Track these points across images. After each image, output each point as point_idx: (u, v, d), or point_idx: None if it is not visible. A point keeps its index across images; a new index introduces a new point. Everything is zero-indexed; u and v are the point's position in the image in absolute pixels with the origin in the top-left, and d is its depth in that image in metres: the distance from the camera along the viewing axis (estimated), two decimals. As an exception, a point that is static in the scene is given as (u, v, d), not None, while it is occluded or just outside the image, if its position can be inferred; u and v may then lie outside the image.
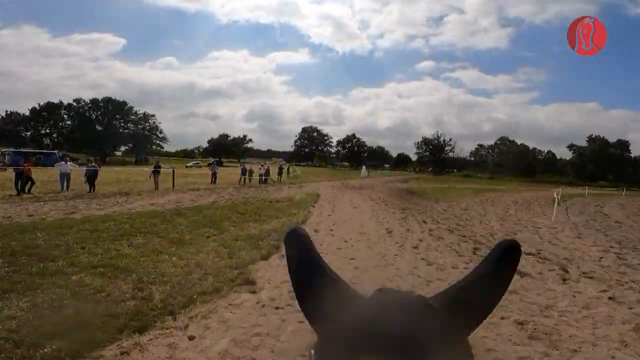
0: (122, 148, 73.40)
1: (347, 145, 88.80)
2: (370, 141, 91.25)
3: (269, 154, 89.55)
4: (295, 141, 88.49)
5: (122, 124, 70.18)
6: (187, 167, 49.05)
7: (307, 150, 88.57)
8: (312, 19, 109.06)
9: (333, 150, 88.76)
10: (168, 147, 78.20)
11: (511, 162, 72.48)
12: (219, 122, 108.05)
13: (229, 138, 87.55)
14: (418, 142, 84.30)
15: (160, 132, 71.93)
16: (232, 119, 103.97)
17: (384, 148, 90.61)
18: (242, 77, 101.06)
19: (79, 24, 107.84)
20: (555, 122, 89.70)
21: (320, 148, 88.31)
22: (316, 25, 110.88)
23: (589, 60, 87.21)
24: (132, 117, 70.67)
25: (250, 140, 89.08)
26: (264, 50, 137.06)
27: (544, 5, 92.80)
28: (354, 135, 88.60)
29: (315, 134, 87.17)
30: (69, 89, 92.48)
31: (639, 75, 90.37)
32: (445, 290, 0.48)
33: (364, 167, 50.78)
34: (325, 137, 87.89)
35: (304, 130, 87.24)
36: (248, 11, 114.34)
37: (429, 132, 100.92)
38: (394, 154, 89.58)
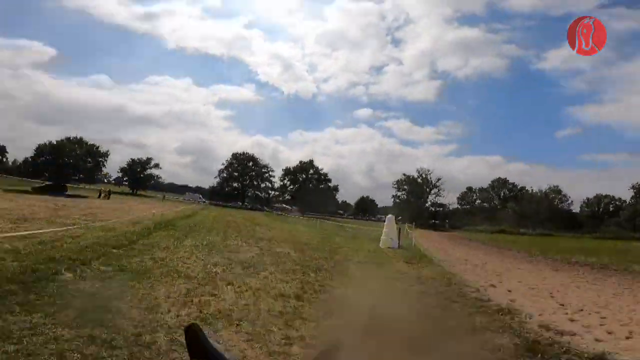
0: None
1: (300, 177, 72.18)
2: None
3: (187, 189, 77.80)
4: (221, 171, 71.93)
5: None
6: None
7: (235, 184, 74.08)
8: (262, 56, 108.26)
9: (275, 184, 73.95)
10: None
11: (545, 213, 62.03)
12: (146, 152, 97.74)
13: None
14: (398, 181, 69.73)
15: None
16: (162, 150, 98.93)
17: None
18: (180, 107, 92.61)
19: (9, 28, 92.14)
20: (464, 173, 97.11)
21: (256, 183, 74.39)
22: (266, 63, 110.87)
23: (499, 115, 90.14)
24: None
25: (157, 165, 72.42)
26: (208, 81, 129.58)
27: (467, 59, 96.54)
28: (311, 162, 72.13)
29: (250, 163, 73.12)
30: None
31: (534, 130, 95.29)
32: None
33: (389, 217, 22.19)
34: (265, 169, 74.38)
35: (235, 157, 72.82)
36: (199, 40, 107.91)
37: (361, 181, 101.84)
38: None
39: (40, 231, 9.91)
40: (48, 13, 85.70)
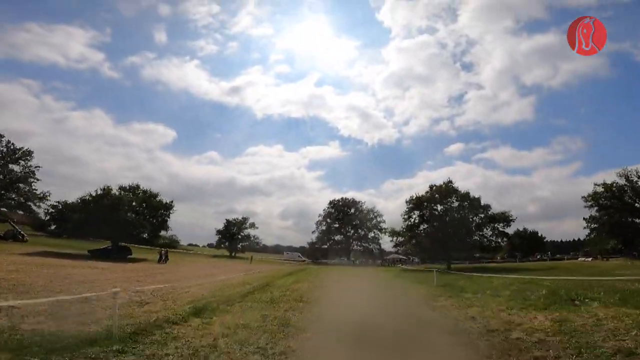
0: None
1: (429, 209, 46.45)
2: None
3: (283, 249, 74.01)
4: (318, 224, 62.34)
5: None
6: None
7: (337, 237, 61.71)
8: (339, 111, 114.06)
9: (386, 231, 55.38)
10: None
11: None
12: (256, 219, 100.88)
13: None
14: (593, 194, 42.23)
15: None
16: (269, 216, 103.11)
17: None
18: (278, 174, 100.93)
19: (138, 112, 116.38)
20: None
21: (362, 232, 61.03)
22: (344, 117, 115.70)
23: (622, 116, 79.38)
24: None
25: (253, 225, 66.47)
26: (297, 144, 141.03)
27: (556, 66, 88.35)
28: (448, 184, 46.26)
29: (352, 210, 60.71)
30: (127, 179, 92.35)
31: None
32: None
33: None
34: (371, 214, 61.11)
35: (333, 204, 61.91)
36: (280, 105, 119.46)
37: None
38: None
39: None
40: (161, 96, 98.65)
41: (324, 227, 64.12)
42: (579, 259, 49.91)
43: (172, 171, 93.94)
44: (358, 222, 62.61)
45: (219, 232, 71.23)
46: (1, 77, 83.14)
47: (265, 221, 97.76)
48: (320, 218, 64.18)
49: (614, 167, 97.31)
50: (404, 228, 45.55)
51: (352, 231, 63.36)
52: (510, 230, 45.68)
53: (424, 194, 45.66)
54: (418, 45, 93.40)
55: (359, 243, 63.67)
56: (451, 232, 41.84)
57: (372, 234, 63.32)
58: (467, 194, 44.67)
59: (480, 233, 43.83)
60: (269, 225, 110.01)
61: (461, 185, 74.13)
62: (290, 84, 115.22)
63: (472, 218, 43.99)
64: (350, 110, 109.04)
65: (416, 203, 45.34)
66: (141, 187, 40.33)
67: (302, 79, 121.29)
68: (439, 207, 44.72)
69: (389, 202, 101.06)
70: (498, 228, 43.54)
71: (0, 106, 75.19)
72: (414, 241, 45.56)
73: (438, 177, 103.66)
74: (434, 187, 45.85)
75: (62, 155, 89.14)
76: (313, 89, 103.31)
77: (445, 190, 44.39)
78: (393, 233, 46.77)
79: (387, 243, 61.88)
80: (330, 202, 64.94)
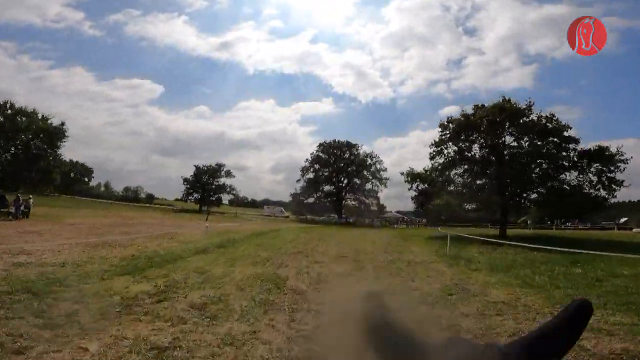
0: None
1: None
2: (395, 192, 73.35)
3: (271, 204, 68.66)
4: (304, 170, 50.08)
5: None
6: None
7: (327, 187, 49.03)
8: (334, 68, 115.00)
9: (385, 182, 45.76)
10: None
11: None
12: (247, 174, 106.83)
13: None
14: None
15: None
16: (260, 171, 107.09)
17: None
18: (270, 128, 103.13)
19: (122, 69, 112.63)
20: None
21: (357, 181, 47.68)
22: (338, 74, 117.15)
23: (624, 92, 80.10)
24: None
25: (229, 173, 53.56)
26: (290, 100, 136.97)
27: (563, 39, 78.20)
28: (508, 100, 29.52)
29: (346, 153, 47.51)
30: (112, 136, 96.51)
31: None
32: (517, 340, 0.55)
33: None
34: (371, 159, 47.91)
35: (323, 147, 48.66)
36: (273, 61, 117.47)
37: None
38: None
39: None
40: (146, 52, 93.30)
41: (310, 176, 51.26)
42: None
43: (159, 125, 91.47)
44: (354, 168, 49.51)
45: (186, 181, 57.79)
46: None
47: (256, 175, 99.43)
48: (307, 164, 51.12)
49: (607, 137, 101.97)
50: (437, 167, 30.21)
51: (346, 181, 50.72)
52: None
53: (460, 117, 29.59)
54: (420, 6, 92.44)
55: (354, 196, 51.21)
56: (516, 176, 27.30)
57: (370, 185, 50.75)
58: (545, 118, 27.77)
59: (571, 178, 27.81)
60: (260, 179, 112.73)
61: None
62: (285, 39, 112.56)
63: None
64: (346, 68, 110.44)
65: (458, 130, 28.91)
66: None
67: (297, 35, 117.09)
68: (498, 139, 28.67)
69: (382, 159, 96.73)
70: (604, 171, 26.83)
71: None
72: (456, 188, 29.43)
73: (431, 137, 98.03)
74: (481, 108, 29.28)
75: (44, 113, 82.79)
76: (308, 45, 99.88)
77: (511, 111, 27.56)
78: (413, 177, 31.72)
79: (389, 199, 49.69)
80: (320, 145, 51.61)
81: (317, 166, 51.21)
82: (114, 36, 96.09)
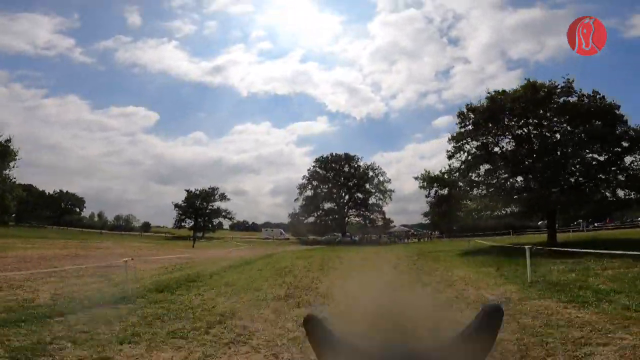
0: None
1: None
2: (397, 208, 72.11)
3: (268, 226, 62.83)
4: (302, 188, 45.96)
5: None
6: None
7: (328, 205, 44.75)
8: (325, 86, 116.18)
9: (390, 195, 41.54)
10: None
11: None
12: (246, 198, 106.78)
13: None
14: None
15: None
16: (259, 194, 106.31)
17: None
18: (266, 150, 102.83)
19: (116, 96, 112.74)
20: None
21: (361, 197, 43.16)
22: (331, 92, 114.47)
23: (606, 89, 78.73)
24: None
25: (224, 196, 49.97)
26: (284, 121, 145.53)
27: (541, 41, 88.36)
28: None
29: (345, 167, 43.37)
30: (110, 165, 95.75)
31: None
32: (437, 345, 0.59)
33: None
34: (373, 171, 43.87)
35: (319, 162, 44.68)
36: (265, 83, 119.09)
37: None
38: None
39: None
40: (139, 79, 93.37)
41: (309, 193, 47.24)
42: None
43: (156, 153, 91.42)
44: (355, 182, 45.46)
45: (177, 206, 53.83)
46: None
47: (255, 199, 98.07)
48: (305, 181, 47.16)
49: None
50: (458, 166, 25.55)
51: (347, 196, 46.56)
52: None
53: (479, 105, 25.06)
54: (404, 20, 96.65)
55: (357, 212, 46.89)
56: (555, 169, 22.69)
57: (374, 199, 46.50)
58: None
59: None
60: (259, 203, 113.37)
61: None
62: (274, 60, 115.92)
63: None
64: (337, 85, 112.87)
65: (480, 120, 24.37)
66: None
67: (285, 55, 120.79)
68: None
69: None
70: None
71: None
72: (488, 190, 24.54)
73: (426, 149, 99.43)
74: (502, 93, 24.78)
75: (41, 143, 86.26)
76: (298, 65, 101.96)
77: (549, 89, 23.56)
78: (431, 181, 26.95)
79: (390, 215, 45.31)
80: (317, 160, 47.77)
81: (315, 183, 47.35)
82: (106, 63, 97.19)
